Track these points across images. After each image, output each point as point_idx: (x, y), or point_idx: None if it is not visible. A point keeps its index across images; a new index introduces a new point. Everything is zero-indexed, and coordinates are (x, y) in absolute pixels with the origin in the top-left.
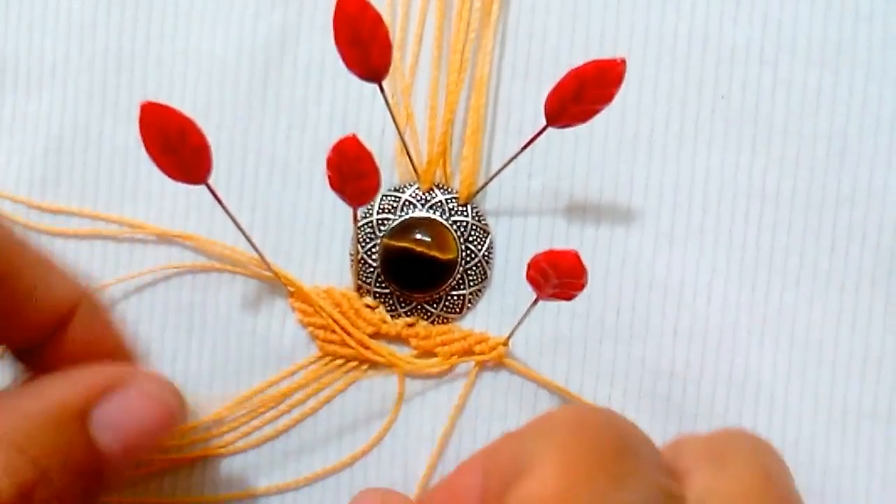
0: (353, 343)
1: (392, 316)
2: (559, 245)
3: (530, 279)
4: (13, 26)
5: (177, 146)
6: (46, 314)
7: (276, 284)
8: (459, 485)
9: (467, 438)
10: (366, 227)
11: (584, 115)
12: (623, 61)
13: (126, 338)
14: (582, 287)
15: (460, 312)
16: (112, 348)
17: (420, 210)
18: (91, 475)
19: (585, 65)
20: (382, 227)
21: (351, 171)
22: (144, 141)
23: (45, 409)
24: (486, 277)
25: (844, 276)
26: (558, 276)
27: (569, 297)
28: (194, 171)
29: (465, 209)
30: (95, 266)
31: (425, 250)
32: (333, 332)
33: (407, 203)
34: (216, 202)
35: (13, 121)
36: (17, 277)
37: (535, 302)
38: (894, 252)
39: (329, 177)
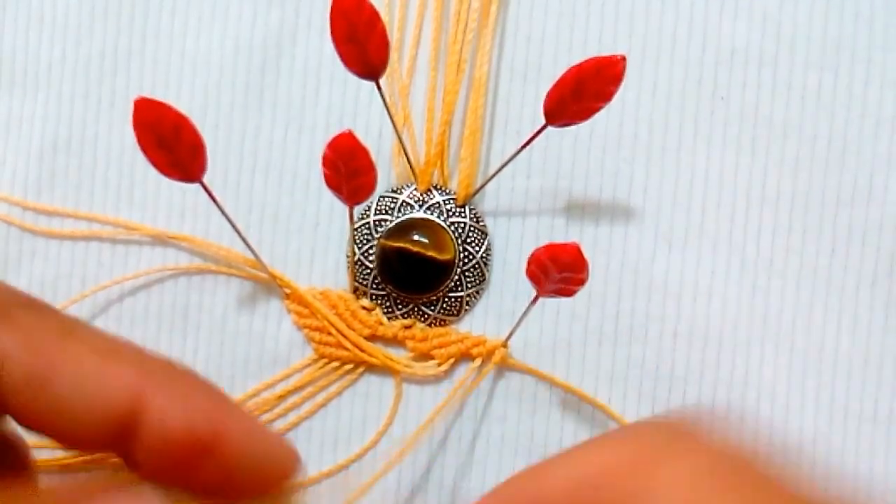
0: (349, 345)
1: (389, 318)
2: None
3: (530, 275)
4: (9, 27)
5: (171, 143)
6: (99, 415)
7: (272, 286)
8: None
9: (465, 442)
10: (363, 228)
11: (584, 114)
12: (623, 58)
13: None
14: (583, 281)
15: (458, 314)
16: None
17: (418, 211)
18: None
19: (585, 62)
20: (380, 229)
21: (347, 168)
22: (138, 137)
23: None
24: (484, 279)
25: (845, 278)
26: (559, 271)
27: (570, 294)
28: (189, 168)
29: (462, 210)
30: (90, 267)
31: (423, 251)
32: (329, 334)
33: (404, 204)
34: (211, 203)
35: (8, 122)
36: (57, 375)
37: (535, 299)
38: (895, 253)
39: (325, 175)
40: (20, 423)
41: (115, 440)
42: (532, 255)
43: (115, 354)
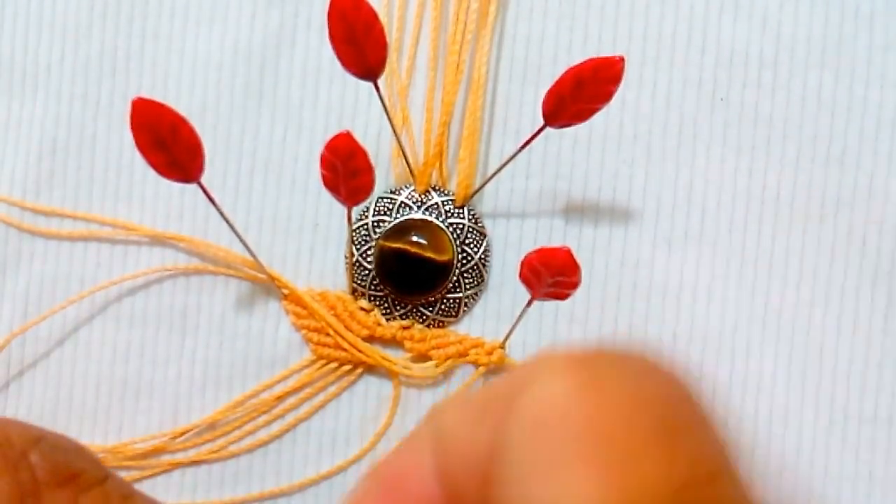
0: (347, 346)
1: (387, 319)
2: None
3: (523, 279)
4: (7, 28)
5: (168, 143)
6: None
7: (270, 287)
8: (401, 478)
9: None
10: (361, 229)
11: (583, 115)
12: (622, 59)
13: None
14: (576, 285)
15: (456, 316)
16: None
17: (416, 212)
18: None
19: (584, 62)
20: (378, 230)
21: (345, 169)
22: (135, 137)
23: None
24: (482, 280)
25: (845, 279)
26: (551, 275)
27: (563, 297)
28: (187, 168)
29: (461, 211)
30: (89, 268)
31: (421, 252)
32: (328, 335)
33: (403, 205)
34: (209, 203)
35: (7, 123)
36: None
37: (530, 302)
38: (894, 254)
39: (323, 175)
40: None
41: None
42: (524, 259)
43: None
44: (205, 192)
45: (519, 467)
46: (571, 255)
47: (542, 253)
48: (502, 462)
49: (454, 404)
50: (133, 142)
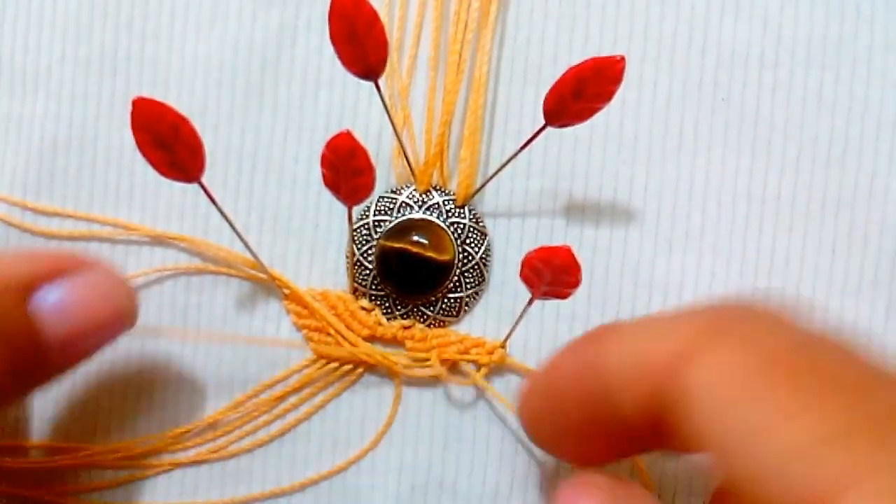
0: (347, 346)
1: (388, 319)
2: None
3: (524, 278)
4: (8, 28)
5: (169, 142)
6: None
7: (271, 287)
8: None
9: (466, 443)
10: (362, 228)
11: (584, 115)
12: (622, 58)
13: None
14: (576, 284)
15: (457, 315)
16: None
17: (417, 212)
18: (28, 354)
19: (585, 62)
20: (379, 229)
21: (345, 168)
22: (136, 137)
23: None
24: (483, 280)
25: (846, 280)
26: (552, 274)
27: (564, 296)
28: (188, 168)
29: (462, 211)
30: None
31: (422, 252)
32: (328, 334)
33: (404, 205)
34: (210, 203)
35: (7, 123)
36: None
37: (531, 302)
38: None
39: (324, 175)
40: None
41: None
42: (525, 258)
43: None
44: (206, 191)
45: (717, 406)
46: (572, 254)
47: (542, 252)
48: (691, 403)
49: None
50: (134, 141)
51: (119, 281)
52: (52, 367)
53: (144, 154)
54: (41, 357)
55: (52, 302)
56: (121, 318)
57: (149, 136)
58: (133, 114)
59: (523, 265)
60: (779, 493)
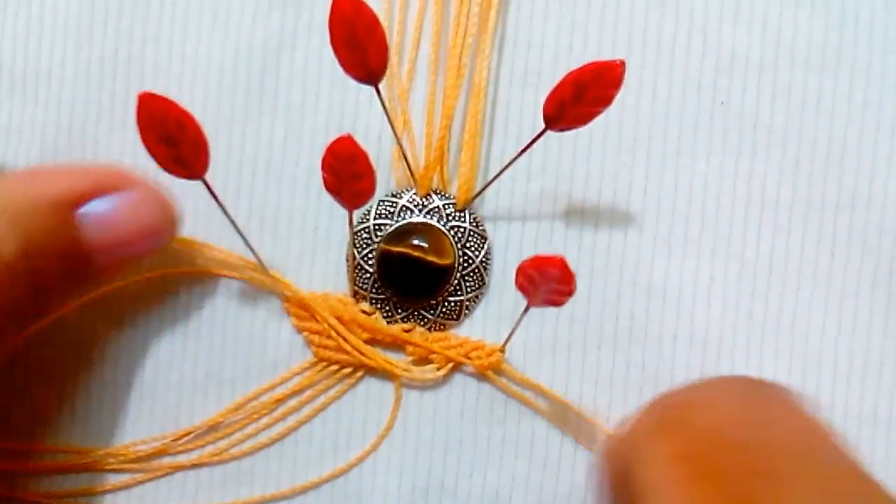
0: (348, 349)
1: (388, 322)
2: (557, 251)
3: (519, 286)
4: (9, 31)
5: (174, 138)
6: None
7: (272, 289)
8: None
9: (466, 446)
10: (362, 232)
11: (583, 118)
12: (622, 63)
13: None
14: (571, 293)
15: (457, 319)
16: None
17: (417, 215)
18: (73, 261)
19: (584, 66)
20: (379, 233)
21: (346, 172)
22: (141, 132)
23: (35, 194)
24: (483, 283)
25: (844, 281)
26: (546, 283)
27: (559, 303)
28: (192, 164)
29: (462, 215)
30: None
31: (422, 256)
32: (329, 337)
33: (404, 208)
34: (212, 206)
35: (9, 127)
36: None
37: (527, 309)
38: (894, 257)
39: (325, 178)
40: None
41: None
42: (520, 266)
43: None
44: (209, 189)
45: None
46: (565, 264)
47: (536, 261)
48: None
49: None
50: (138, 140)
51: (160, 199)
52: (94, 272)
53: (149, 149)
54: (85, 263)
55: (96, 216)
56: (158, 233)
57: (154, 131)
58: (138, 109)
59: (518, 274)
60: None
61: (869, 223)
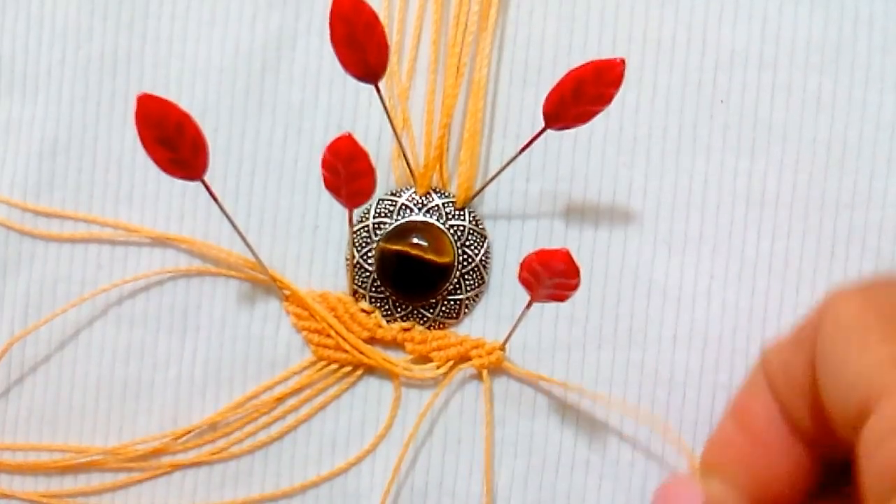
0: (347, 348)
1: (388, 321)
2: None
3: (523, 281)
4: (8, 29)
5: (174, 140)
6: None
7: (271, 288)
8: (749, 413)
9: (466, 444)
10: (362, 230)
11: (583, 117)
12: (622, 61)
13: None
14: (575, 287)
15: (457, 317)
16: None
17: (417, 214)
18: None
19: (584, 65)
20: (379, 231)
21: (346, 171)
22: (140, 133)
23: None
24: (483, 282)
25: (844, 281)
26: (551, 277)
27: (563, 298)
28: (191, 165)
29: (462, 213)
30: (90, 270)
31: (422, 254)
32: (328, 336)
33: (404, 207)
34: (211, 205)
35: (8, 124)
36: None
37: (530, 304)
38: (894, 256)
39: (324, 177)
40: None
41: None
42: (524, 260)
43: None
44: (208, 189)
45: (833, 355)
46: (570, 257)
47: (540, 255)
48: (820, 358)
49: (773, 347)
50: (137, 138)
51: None
52: None
53: (148, 151)
54: None
55: None
56: None
57: (153, 133)
58: (137, 110)
59: (522, 268)
60: (847, 397)
61: (868, 222)
